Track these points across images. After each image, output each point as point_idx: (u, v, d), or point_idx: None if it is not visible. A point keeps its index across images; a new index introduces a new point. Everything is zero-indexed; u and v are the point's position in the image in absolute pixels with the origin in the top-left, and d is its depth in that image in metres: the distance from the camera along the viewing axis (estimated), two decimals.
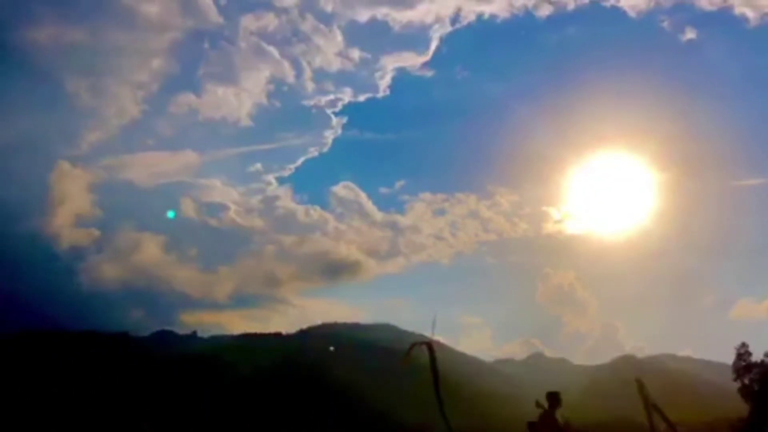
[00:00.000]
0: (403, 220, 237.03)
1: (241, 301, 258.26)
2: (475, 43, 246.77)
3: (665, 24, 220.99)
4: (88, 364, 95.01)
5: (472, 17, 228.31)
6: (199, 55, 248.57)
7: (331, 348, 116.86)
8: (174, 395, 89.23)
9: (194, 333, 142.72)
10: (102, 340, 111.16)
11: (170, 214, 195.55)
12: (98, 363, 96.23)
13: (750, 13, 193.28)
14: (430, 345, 8.34)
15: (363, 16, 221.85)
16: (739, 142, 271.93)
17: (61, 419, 72.80)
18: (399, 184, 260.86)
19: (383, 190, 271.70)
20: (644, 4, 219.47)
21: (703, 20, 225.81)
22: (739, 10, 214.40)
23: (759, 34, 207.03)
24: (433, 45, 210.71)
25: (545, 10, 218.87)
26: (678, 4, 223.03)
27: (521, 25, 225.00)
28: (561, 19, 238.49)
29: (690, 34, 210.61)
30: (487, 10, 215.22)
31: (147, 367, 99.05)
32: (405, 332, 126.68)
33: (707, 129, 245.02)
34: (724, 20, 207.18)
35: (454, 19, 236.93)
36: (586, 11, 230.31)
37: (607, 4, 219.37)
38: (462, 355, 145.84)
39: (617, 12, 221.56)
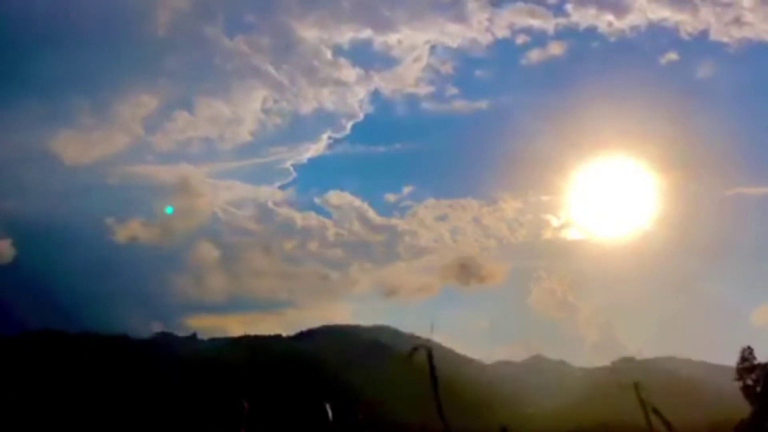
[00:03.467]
0: (405, 226, 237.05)
1: (240, 303, 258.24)
2: (471, 60, 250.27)
3: (646, 47, 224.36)
4: (87, 365, 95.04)
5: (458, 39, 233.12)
6: (198, 74, 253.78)
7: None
8: (173, 398, 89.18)
9: (194, 335, 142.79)
10: (101, 341, 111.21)
11: (168, 210, 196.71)
12: (97, 365, 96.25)
13: (727, 40, 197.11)
14: (429, 350, 8.34)
15: (360, 35, 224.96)
16: (742, 151, 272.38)
17: (60, 421, 72.76)
18: (407, 190, 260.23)
19: (390, 196, 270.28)
20: (622, 30, 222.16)
21: (681, 45, 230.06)
22: (715, 37, 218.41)
23: (739, 56, 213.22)
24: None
25: (521, 39, 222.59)
26: (656, 32, 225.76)
27: (504, 47, 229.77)
28: (542, 41, 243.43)
29: (672, 56, 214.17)
30: (469, 33, 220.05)
31: (147, 369, 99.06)
32: (404, 334, 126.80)
33: (707, 135, 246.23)
34: (704, 45, 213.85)
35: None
36: (563, 33, 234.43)
37: (581, 28, 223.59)
38: (462, 357, 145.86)
39: (595, 34, 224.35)
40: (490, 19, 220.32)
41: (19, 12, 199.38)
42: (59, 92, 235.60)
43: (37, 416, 72.84)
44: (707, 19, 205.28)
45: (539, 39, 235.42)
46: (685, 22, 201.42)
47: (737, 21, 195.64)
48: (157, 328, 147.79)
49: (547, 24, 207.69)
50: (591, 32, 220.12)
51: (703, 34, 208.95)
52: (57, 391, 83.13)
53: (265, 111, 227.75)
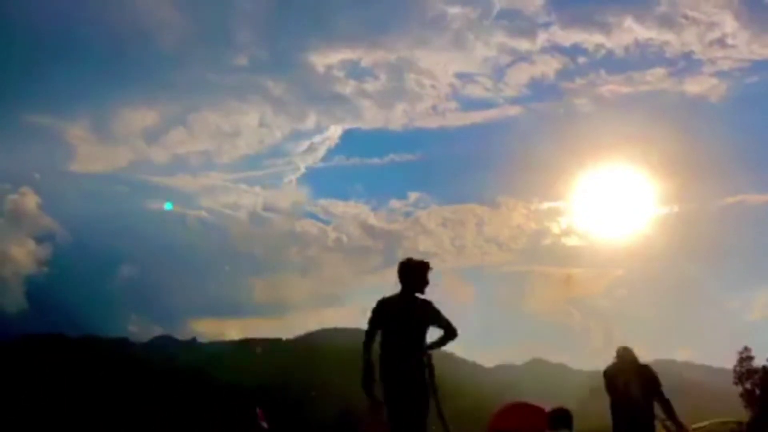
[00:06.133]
0: (406, 231, 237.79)
1: (240, 307, 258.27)
2: (465, 74, 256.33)
3: (635, 63, 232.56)
4: (87, 369, 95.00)
5: None
6: (198, 89, 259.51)
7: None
8: (172, 402, 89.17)
9: (194, 339, 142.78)
10: (101, 344, 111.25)
11: (167, 205, 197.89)
12: (97, 368, 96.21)
13: (709, 57, 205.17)
14: (428, 353, 8.30)
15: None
16: (745, 158, 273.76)
17: (59, 425, 72.73)
18: (413, 196, 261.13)
19: (395, 203, 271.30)
20: (610, 48, 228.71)
21: (669, 62, 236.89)
22: (697, 56, 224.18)
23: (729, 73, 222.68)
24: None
25: (505, 59, 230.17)
26: (643, 50, 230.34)
27: (497, 62, 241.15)
28: (528, 57, 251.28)
29: (660, 71, 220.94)
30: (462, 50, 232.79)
31: (146, 373, 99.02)
32: None
33: (709, 142, 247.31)
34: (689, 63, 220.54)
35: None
36: (550, 49, 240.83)
37: (567, 45, 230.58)
38: (462, 361, 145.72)
39: (581, 50, 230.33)
40: (478, 37, 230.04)
41: (24, 29, 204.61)
42: (64, 105, 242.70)
43: (36, 420, 72.80)
44: (690, 39, 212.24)
45: (526, 56, 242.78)
46: (670, 42, 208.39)
47: (721, 41, 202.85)
48: (156, 331, 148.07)
49: (534, 43, 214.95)
50: (577, 48, 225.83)
51: (688, 54, 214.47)
52: (56, 395, 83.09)
53: (264, 125, 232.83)
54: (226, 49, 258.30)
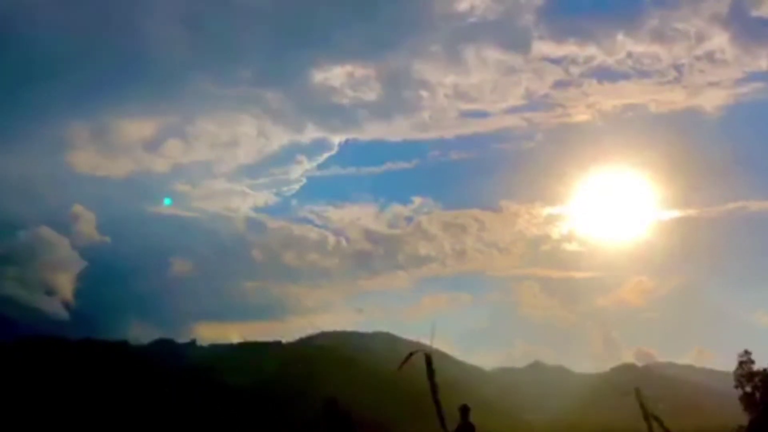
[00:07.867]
0: (407, 236, 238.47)
1: (240, 311, 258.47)
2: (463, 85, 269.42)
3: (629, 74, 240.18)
4: (87, 372, 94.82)
5: None
6: (199, 100, 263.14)
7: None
8: (171, 404, 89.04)
9: (193, 341, 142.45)
10: (101, 348, 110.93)
11: (166, 201, 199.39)
12: (97, 371, 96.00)
13: (699, 69, 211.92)
14: (428, 355, 8.28)
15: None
16: (747, 165, 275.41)
17: (59, 426, 72.64)
18: (417, 201, 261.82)
19: (398, 208, 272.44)
20: (604, 59, 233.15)
21: (658, 74, 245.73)
22: (688, 68, 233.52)
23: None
24: None
25: (501, 70, 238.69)
26: (635, 62, 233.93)
27: (495, 74, 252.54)
28: (524, 68, 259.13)
29: (653, 84, 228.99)
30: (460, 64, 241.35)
31: (145, 375, 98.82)
32: (403, 340, 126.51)
33: (711, 148, 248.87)
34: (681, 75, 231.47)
35: None
36: (547, 60, 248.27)
37: (560, 57, 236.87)
38: (462, 364, 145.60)
39: (576, 61, 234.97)
40: (474, 49, 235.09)
41: (27, 45, 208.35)
42: (66, 117, 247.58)
43: (35, 423, 72.70)
44: (680, 52, 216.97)
45: (520, 67, 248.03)
46: (661, 55, 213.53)
47: (710, 54, 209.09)
48: (156, 334, 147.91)
49: (528, 55, 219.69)
50: (570, 60, 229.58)
51: (680, 66, 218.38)
52: (56, 397, 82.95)
53: (263, 135, 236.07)
54: (227, 62, 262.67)
